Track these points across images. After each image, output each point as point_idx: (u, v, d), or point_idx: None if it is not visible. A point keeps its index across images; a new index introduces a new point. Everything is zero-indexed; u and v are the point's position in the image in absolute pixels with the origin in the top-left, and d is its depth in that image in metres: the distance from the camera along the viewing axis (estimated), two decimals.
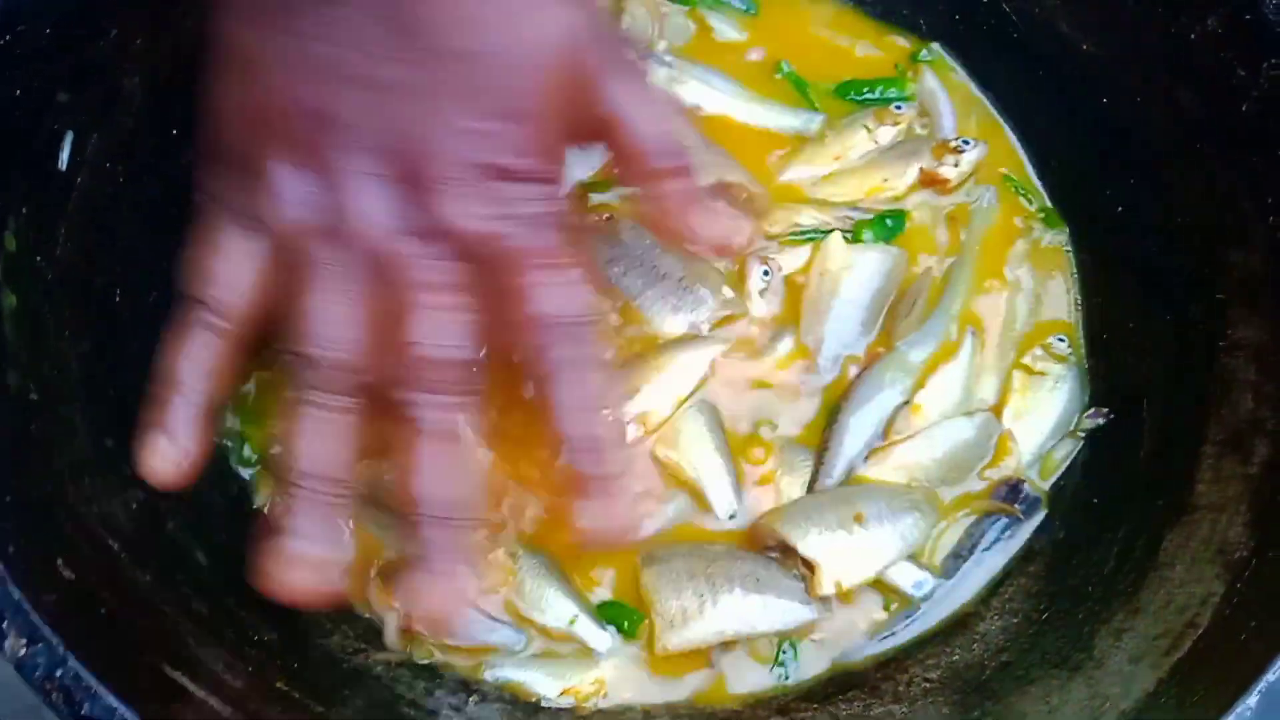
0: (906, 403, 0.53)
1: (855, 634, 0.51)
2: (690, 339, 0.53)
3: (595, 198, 0.56)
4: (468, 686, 0.48)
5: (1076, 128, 0.57)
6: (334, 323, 0.37)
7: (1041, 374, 0.54)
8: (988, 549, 0.52)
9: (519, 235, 0.37)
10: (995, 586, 0.52)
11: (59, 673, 0.33)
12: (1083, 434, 0.54)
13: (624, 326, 0.54)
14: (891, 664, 0.50)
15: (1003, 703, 0.46)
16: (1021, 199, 0.59)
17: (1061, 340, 0.55)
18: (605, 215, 0.56)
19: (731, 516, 0.51)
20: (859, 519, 0.49)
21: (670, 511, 0.52)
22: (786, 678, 0.50)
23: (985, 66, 0.61)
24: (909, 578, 0.50)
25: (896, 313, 0.55)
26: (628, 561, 0.50)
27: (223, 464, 0.51)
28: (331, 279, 0.36)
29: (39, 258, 0.45)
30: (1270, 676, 0.37)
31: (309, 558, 0.36)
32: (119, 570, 0.41)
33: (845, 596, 0.50)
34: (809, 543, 0.48)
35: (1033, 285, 0.57)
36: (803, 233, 0.56)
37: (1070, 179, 0.59)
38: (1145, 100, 0.53)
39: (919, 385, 0.53)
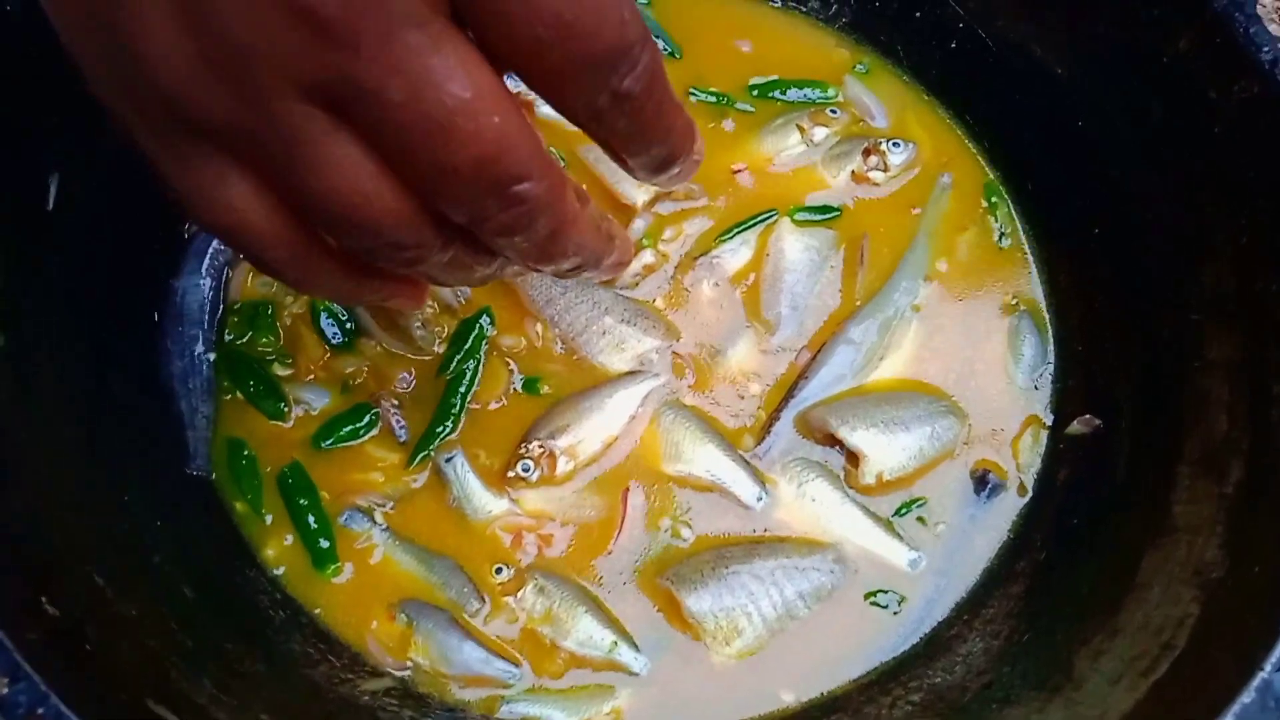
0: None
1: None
2: (629, 375, 0.55)
3: None
4: (454, 714, 0.49)
5: (1051, 151, 0.58)
6: (352, 179, 0.29)
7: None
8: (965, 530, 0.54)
9: None
10: (977, 606, 0.52)
11: (40, 710, 0.33)
12: (1074, 434, 0.55)
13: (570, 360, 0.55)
14: (874, 686, 0.50)
15: None
16: (993, 218, 0.60)
17: (1006, 294, 0.59)
18: None
19: (759, 499, 0.53)
20: (900, 419, 0.54)
21: None
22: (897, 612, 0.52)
23: (962, 91, 0.62)
24: (903, 556, 0.53)
25: (850, 292, 0.58)
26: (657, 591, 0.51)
27: (210, 498, 0.52)
28: (315, 144, 0.28)
29: (27, 297, 0.46)
30: (1245, 699, 0.37)
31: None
32: (104, 604, 0.42)
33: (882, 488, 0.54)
34: (856, 436, 0.53)
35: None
36: (748, 222, 0.58)
37: (1045, 200, 0.59)
38: (1119, 123, 0.54)
39: (871, 364, 0.56)
